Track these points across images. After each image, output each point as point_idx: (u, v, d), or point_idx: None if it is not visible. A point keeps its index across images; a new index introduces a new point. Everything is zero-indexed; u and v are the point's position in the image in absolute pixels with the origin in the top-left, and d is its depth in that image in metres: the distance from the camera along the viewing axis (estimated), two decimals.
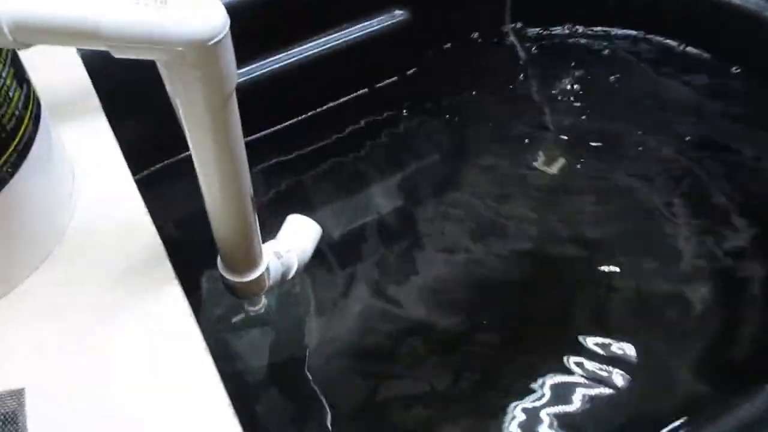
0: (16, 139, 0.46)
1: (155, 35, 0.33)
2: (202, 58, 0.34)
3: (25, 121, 0.46)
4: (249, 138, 0.97)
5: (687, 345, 0.83)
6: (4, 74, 0.42)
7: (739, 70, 1.06)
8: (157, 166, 0.96)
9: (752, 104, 1.05)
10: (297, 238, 0.70)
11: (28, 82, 0.47)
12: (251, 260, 0.55)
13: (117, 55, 0.34)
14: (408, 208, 1.01)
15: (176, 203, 0.90)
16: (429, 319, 0.87)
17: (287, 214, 0.97)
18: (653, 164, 0.99)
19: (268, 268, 0.59)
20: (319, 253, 0.93)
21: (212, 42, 0.33)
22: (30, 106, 0.47)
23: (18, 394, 0.42)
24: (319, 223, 0.97)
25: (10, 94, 0.43)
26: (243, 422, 0.41)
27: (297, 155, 1.05)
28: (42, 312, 0.48)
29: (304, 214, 0.97)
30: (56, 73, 0.64)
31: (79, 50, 0.67)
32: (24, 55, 0.47)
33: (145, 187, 0.56)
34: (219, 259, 0.55)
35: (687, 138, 1.02)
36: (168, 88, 0.37)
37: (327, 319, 0.88)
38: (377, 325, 0.88)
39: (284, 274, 0.66)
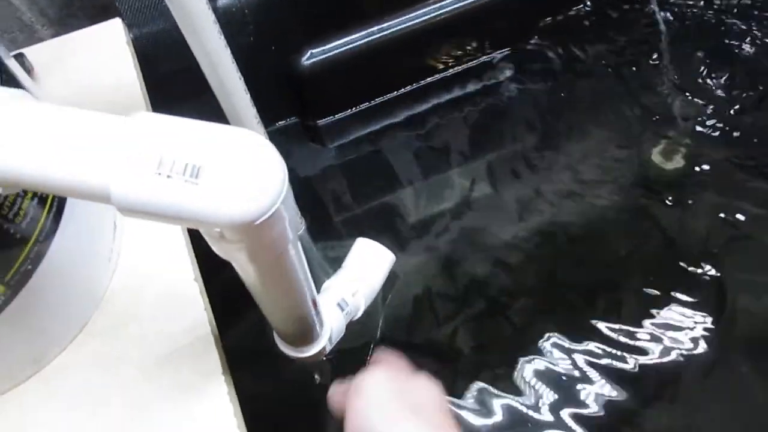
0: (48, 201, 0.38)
1: (183, 214, 0.23)
2: (246, 236, 0.25)
3: None
4: (350, 111, 0.89)
5: None
6: None
7: None
8: None
9: None
10: (365, 272, 0.61)
11: None
12: (310, 339, 0.47)
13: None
14: (493, 186, 0.90)
15: None
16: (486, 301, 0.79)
17: (376, 179, 0.89)
18: None
19: (330, 335, 0.51)
20: (392, 231, 0.87)
21: (258, 222, 0.24)
22: None
23: None
24: (401, 193, 0.89)
25: None
26: None
27: (394, 125, 0.95)
28: (70, 398, 0.43)
29: (391, 180, 0.89)
30: (104, 77, 0.55)
31: (130, 43, 0.58)
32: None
33: None
34: (274, 332, 0.48)
35: None
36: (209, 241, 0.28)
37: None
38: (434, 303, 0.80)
39: (349, 321, 0.58)
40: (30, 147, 0.24)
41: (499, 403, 0.72)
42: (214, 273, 0.48)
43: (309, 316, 0.41)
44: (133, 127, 0.24)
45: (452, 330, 0.79)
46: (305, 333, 0.45)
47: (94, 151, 0.23)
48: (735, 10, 0.99)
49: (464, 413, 0.72)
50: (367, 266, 0.62)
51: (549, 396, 0.72)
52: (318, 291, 0.59)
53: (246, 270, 0.30)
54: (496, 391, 0.73)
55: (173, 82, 0.60)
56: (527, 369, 0.74)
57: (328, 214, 0.89)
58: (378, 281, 0.63)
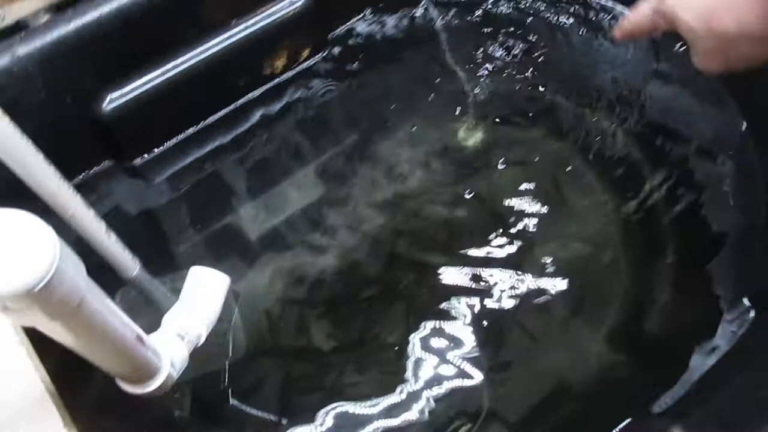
0: None
1: None
2: (31, 303, 0.28)
3: None
4: (167, 145, 0.90)
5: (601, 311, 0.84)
6: None
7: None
8: None
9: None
10: (202, 299, 0.64)
11: None
12: (150, 374, 0.50)
13: None
14: (324, 189, 0.96)
15: None
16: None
17: (211, 204, 0.91)
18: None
19: (172, 363, 0.54)
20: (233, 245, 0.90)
21: (37, 290, 0.27)
22: None
23: None
24: (239, 212, 0.92)
25: None
26: None
27: (219, 148, 0.97)
28: None
29: (227, 202, 0.91)
30: None
31: None
32: None
33: None
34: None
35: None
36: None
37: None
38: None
39: (193, 347, 0.61)
40: None
41: (370, 386, 0.78)
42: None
43: (136, 354, 0.44)
44: None
45: (307, 332, 0.84)
46: (140, 370, 0.48)
47: None
48: None
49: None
50: (204, 293, 0.66)
51: (412, 371, 0.79)
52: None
53: (50, 329, 0.33)
54: (361, 379, 0.79)
55: None
56: (389, 350, 0.80)
57: (169, 246, 0.90)
58: (216, 305, 0.66)
